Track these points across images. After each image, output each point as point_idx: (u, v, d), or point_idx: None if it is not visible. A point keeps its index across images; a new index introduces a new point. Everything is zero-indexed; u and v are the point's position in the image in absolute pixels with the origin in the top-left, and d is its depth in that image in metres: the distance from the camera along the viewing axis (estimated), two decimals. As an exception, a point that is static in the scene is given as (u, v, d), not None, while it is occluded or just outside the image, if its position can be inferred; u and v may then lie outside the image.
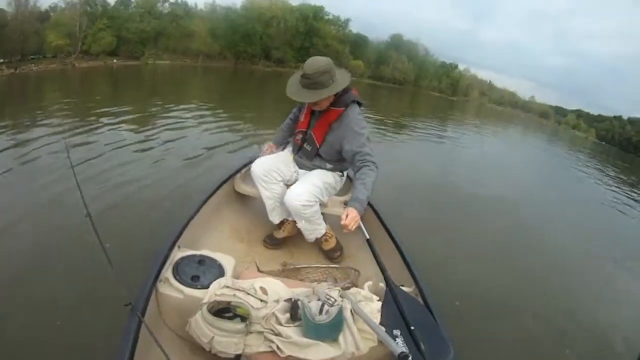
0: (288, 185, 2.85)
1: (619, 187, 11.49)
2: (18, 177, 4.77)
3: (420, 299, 2.24)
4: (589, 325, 3.59)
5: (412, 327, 1.87)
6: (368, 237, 2.45)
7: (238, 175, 3.17)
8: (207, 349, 1.74)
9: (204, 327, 1.73)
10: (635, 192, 11.26)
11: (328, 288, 2.08)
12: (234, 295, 1.79)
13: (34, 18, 23.23)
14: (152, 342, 1.50)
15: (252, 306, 1.76)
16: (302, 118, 2.80)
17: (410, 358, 1.55)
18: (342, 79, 2.54)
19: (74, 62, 22.25)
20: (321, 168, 2.83)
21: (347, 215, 2.36)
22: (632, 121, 50.57)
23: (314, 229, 2.82)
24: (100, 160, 5.35)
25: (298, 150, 2.85)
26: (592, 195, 9.55)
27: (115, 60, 25.73)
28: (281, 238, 3.01)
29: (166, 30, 30.91)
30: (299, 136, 2.80)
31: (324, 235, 2.92)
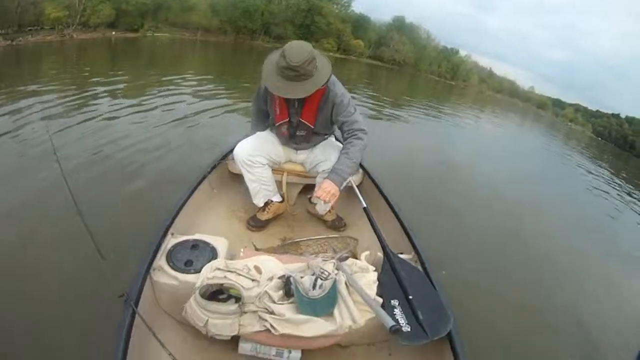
0: (273, 169, 2.83)
1: (612, 183, 11.21)
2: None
3: (419, 267, 2.20)
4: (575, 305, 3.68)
5: (411, 297, 1.84)
6: (365, 205, 2.42)
7: (231, 155, 3.10)
8: (204, 333, 1.73)
9: (198, 312, 1.72)
10: (628, 190, 11.03)
11: (323, 261, 2.05)
12: (225, 277, 1.76)
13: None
14: (148, 332, 1.50)
15: (243, 287, 1.73)
16: (276, 110, 2.59)
17: (402, 330, 1.53)
18: (322, 63, 2.35)
19: (72, 34, 21.80)
20: (323, 140, 2.82)
21: (320, 187, 2.32)
22: (629, 120, 49.38)
23: None
24: (90, 141, 5.04)
25: (290, 139, 2.75)
26: (585, 188, 9.39)
27: (113, 33, 25.11)
28: (265, 220, 2.95)
29: (166, 2, 30.14)
30: (284, 128, 2.67)
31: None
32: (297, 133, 2.67)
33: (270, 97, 2.58)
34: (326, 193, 2.33)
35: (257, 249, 2.56)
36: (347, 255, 2.38)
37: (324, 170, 2.65)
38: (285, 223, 3.05)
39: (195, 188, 2.67)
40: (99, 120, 5.86)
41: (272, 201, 2.91)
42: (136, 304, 1.68)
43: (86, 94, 7.15)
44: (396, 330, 1.29)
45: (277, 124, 2.65)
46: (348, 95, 2.52)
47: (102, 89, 7.57)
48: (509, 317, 3.14)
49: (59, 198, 2.85)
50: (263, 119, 2.83)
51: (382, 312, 1.40)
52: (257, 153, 2.69)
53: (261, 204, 2.90)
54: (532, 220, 5.52)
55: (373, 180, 3.07)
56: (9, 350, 2.09)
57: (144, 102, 7.15)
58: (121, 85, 8.10)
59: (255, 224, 2.92)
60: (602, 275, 4.57)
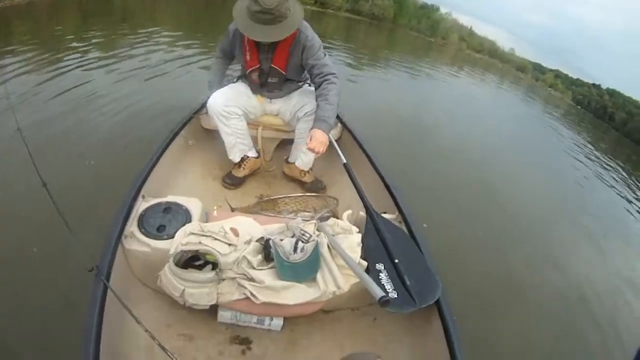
0: (248, 122, 2.69)
1: (591, 154, 11.20)
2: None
3: (404, 228, 2.13)
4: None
5: (396, 260, 1.77)
6: (345, 161, 2.31)
7: (204, 110, 2.90)
8: (181, 303, 1.64)
9: (173, 281, 1.62)
10: (606, 161, 10.98)
11: (303, 222, 1.96)
12: (200, 242, 1.64)
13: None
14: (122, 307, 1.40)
15: (219, 252, 1.62)
16: (246, 57, 2.47)
17: (391, 302, 1.47)
18: (293, 4, 2.25)
19: (39, -4, 20.64)
20: (297, 89, 2.68)
21: (311, 138, 2.20)
22: (610, 92, 48.75)
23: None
24: (55, 106, 4.57)
25: (262, 87, 2.61)
26: (561, 152, 9.36)
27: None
28: (242, 177, 2.83)
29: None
30: (255, 75, 2.53)
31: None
32: (269, 80, 2.54)
33: (239, 43, 2.47)
34: (319, 143, 2.21)
35: (232, 209, 2.45)
36: (328, 214, 2.29)
37: (306, 113, 2.55)
38: (262, 180, 2.93)
39: (166, 146, 2.49)
40: (65, 83, 5.30)
41: (248, 157, 2.78)
42: (107, 276, 1.57)
43: (56, 56, 6.63)
44: (385, 302, 1.21)
45: (248, 70, 2.52)
46: (318, 39, 2.41)
47: (71, 49, 6.97)
48: (492, 279, 3.17)
49: (21, 169, 2.56)
50: (226, 62, 2.76)
51: (370, 281, 1.32)
52: (232, 104, 2.53)
53: (237, 159, 2.77)
54: (507, 181, 5.55)
55: (353, 135, 2.95)
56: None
57: (112, 62, 6.61)
58: (90, 45, 7.53)
59: (232, 181, 2.80)
60: (574, 237, 4.69)
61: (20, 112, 3.91)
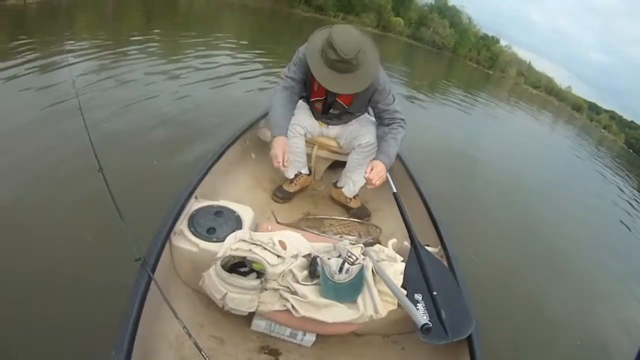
0: (307, 140, 2.73)
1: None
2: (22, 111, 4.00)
3: (445, 262, 2.12)
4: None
5: (435, 292, 1.76)
6: (395, 190, 2.33)
7: (262, 121, 2.99)
8: (220, 306, 1.68)
9: (217, 283, 1.66)
10: None
11: (350, 244, 1.98)
12: (250, 250, 1.70)
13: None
14: (162, 299, 1.45)
15: (268, 262, 1.66)
16: (314, 87, 2.45)
17: (432, 331, 1.46)
18: (368, 48, 2.21)
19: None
20: (357, 118, 2.72)
21: (372, 169, 2.22)
22: None
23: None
24: (118, 97, 4.83)
25: (322, 114, 2.65)
26: (610, 199, 8.94)
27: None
28: (292, 192, 2.88)
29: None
30: (318, 104, 2.57)
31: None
32: (331, 111, 2.58)
33: (309, 70, 2.40)
34: (378, 176, 2.23)
35: (278, 222, 2.50)
36: (371, 241, 2.31)
37: (360, 145, 2.57)
38: (310, 199, 2.97)
39: (223, 152, 2.57)
40: (129, 77, 5.69)
41: (301, 173, 2.84)
42: (153, 269, 1.63)
43: (119, 50, 6.98)
44: (427, 330, 1.22)
45: (312, 99, 2.57)
46: (389, 82, 2.44)
47: (135, 47, 7.36)
48: (528, 319, 3.07)
49: (80, 154, 2.68)
50: (295, 93, 2.53)
51: (413, 309, 1.33)
52: (295, 122, 2.57)
53: (291, 176, 2.82)
54: (553, 221, 5.37)
55: (404, 164, 2.97)
56: (19, 311, 2.05)
57: (177, 63, 7.00)
58: (155, 44, 7.94)
59: (282, 195, 2.85)
60: (616, 284, 4.47)
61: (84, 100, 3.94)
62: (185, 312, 1.85)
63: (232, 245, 1.72)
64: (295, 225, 2.45)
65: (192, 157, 3.43)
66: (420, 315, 1.29)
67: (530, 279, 3.64)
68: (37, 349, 1.91)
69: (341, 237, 2.36)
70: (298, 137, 2.64)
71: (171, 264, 1.90)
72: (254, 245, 1.73)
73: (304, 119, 2.64)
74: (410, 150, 3.24)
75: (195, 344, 1.29)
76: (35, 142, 3.40)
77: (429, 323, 1.23)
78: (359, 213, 2.85)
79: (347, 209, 2.90)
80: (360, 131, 2.63)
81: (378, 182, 2.24)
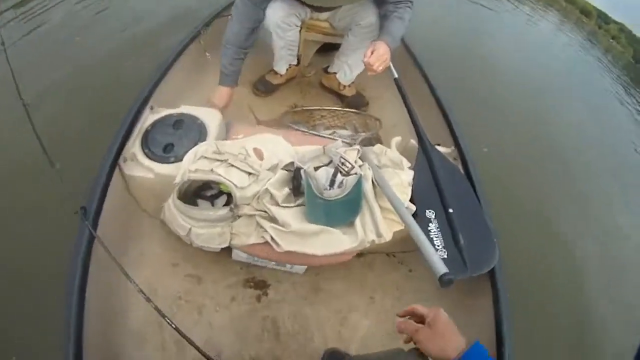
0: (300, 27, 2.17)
1: None
2: None
3: (460, 166, 1.72)
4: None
5: (450, 210, 1.40)
6: (396, 75, 1.85)
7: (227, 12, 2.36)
8: (188, 243, 1.36)
9: (178, 218, 1.31)
10: None
11: (344, 143, 1.59)
12: (212, 170, 1.31)
13: None
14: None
15: (235, 184, 1.29)
16: None
17: (448, 261, 1.14)
18: None
19: None
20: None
21: (372, 51, 1.73)
22: None
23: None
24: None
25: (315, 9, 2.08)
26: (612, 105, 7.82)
27: None
28: (277, 84, 2.39)
29: None
30: None
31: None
32: None
33: None
34: (381, 60, 1.74)
35: (258, 121, 2.08)
36: (370, 136, 1.91)
37: (359, 25, 2.02)
38: (297, 88, 2.48)
39: (181, 51, 2.05)
40: None
41: (290, 65, 2.35)
42: (96, 217, 1.28)
43: None
44: (448, 281, 0.89)
45: None
46: None
47: None
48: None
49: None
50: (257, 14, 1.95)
51: (431, 251, 0.98)
52: (292, 12, 2.01)
53: (284, 72, 2.35)
54: (565, 121, 4.70)
55: (407, 48, 2.42)
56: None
57: None
58: None
59: (265, 88, 2.38)
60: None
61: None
62: (155, 250, 1.55)
63: (190, 166, 1.33)
64: (278, 123, 2.03)
65: (147, 65, 2.57)
66: (439, 258, 0.94)
67: (542, 175, 3.13)
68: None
69: (334, 132, 1.96)
70: (294, 29, 2.10)
71: (129, 197, 1.55)
72: (218, 163, 1.34)
73: (297, 7, 2.04)
74: (413, 36, 2.55)
75: (156, 309, 0.99)
76: None
77: (450, 273, 0.89)
78: (355, 102, 2.38)
79: (340, 98, 2.44)
80: (359, 10, 2.03)
81: (380, 68, 1.75)
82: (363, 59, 1.74)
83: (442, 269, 0.90)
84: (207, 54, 2.29)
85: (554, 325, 2.01)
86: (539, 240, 2.44)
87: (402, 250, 1.69)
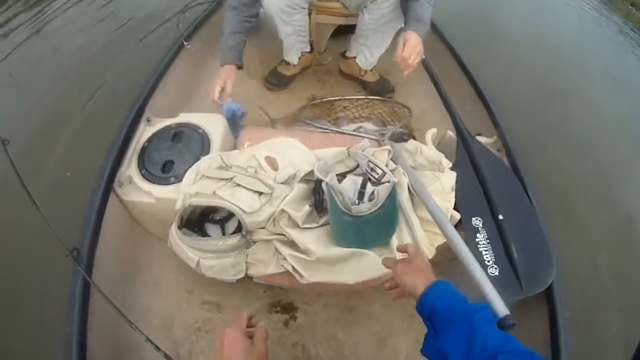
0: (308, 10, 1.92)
1: None
2: None
3: (505, 160, 1.46)
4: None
5: (501, 217, 1.16)
6: (424, 56, 1.58)
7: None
8: (200, 274, 1.17)
9: (184, 249, 1.12)
10: None
11: (370, 145, 1.35)
12: (214, 193, 1.10)
13: None
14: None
15: (243, 210, 1.08)
16: None
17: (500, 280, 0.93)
18: None
19: None
20: None
21: (405, 43, 1.45)
22: None
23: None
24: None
25: None
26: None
27: None
28: (290, 75, 2.15)
29: None
30: None
31: None
32: None
33: None
34: (416, 52, 1.45)
35: (271, 120, 1.85)
36: (401, 130, 1.67)
37: (375, 2, 1.73)
38: (313, 78, 2.23)
39: (175, 54, 1.83)
40: None
41: (302, 54, 2.10)
42: (90, 258, 1.12)
43: None
44: (510, 327, 0.68)
45: None
46: None
47: None
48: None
49: None
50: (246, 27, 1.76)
51: (489, 287, 0.77)
52: None
53: (296, 61, 2.09)
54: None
55: (436, 27, 2.11)
56: None
57: None
58: None
59: (278, 81, 2.14)
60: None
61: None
62: (168, 277, 1.38)
63: (191, 188, 1.13)
64: (295, 120, 1.80)
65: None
66: (497, 296, 0.73)
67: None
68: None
69: (359, 128, 1.72)
70: (301, 12, 1.84)
71: (134, 223, 1.38)
72: (222, 182, 1.13)
73: None
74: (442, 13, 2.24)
75: (157, 347, 0.85)
76: None
77: (511, 317, 0.68)
78: (379, 88, 2.11)
79: (363, 85, 2.18)
80: None
81: (417, 61, 1.47)
82: (395, 56, 1.46)
83: (501, 310, 0.70)
84: (185, 43, 1.94)
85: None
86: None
87: (446, 259, 1.47)
